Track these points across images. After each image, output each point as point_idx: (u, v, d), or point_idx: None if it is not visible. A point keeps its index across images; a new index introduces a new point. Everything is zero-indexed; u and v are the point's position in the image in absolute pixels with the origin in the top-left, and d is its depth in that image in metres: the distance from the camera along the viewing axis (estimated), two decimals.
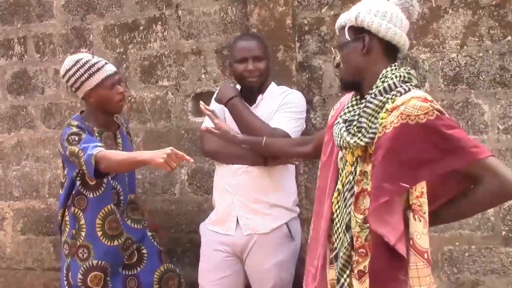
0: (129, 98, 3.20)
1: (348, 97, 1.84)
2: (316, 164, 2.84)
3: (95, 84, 2.42)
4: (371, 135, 1.61)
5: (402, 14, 1.70)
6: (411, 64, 2.64)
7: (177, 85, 3.10)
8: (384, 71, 1.66)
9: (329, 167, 1.82)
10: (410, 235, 1.56)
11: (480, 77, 2.56)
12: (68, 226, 2.53)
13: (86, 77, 2.42)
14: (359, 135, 1.63)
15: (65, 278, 2.54)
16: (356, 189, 1.66)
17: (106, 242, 2.47)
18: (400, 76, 1.64)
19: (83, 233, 2.48)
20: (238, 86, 2.43)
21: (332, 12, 2.76)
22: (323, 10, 2.78)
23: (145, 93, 3.18)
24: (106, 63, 2.49)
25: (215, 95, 2.47)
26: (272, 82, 2.47)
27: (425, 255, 1.55)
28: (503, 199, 1.65)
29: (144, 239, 2.60)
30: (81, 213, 2.49)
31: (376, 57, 1.68)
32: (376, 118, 1.61)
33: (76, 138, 2.36)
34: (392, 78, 1.63)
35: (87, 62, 2.44)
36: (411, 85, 1.64)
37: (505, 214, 2.56)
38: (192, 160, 2.14)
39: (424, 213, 1.55)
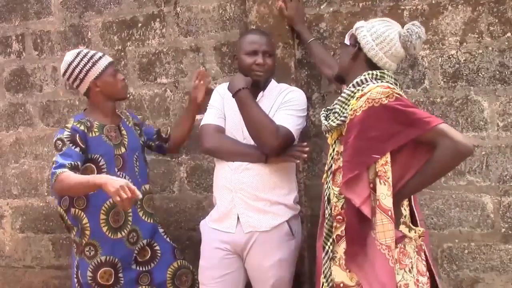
0: (128, 95, 3.18)
1: None
2: (315, 162, 2.85)
3: (100, 71, 2.50)
4: (342, 119, 1.93)
5: (397, 44, 1.96)
6: (411, 61, 2.64)
7: (175, 82, 3.10)
8: (363, 73, 1.96)
9: (328, 151, 2.13)
10: (376, 196, 1.83)
11: (480, 74, 2.55)
12: (74, 226, 2.54)
13: (90, 66, 2.50)
14: (332, 118, 1.98)
15: (75, 277, 2.55)
16: (333, 166, 1.98)
17: (111, 236, 2.48)
18: (373, 74, 1.95)
19: (87, 232, 2.48)
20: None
21: (331, 9, 2.76)
22: (322, 7, 2.78)
23: (144, 90, 3.17)
24: (104, 54, 2.59)
25: (221, 90, 2.48)
26: (273, 80, 2.45)
27: (389, 213, 1.80)
28: (457, 157, 1.85)
29: (155, 236, 2.61)
30: (82, 213, 2.48)
31: (360, 64, 2.00)
32: (347, 105, 1.93)
33: (60, 146, 2.40)
34: (365, 75, 1.95)
35: (87, 53, 2.54)
36: (381, 81, 1.92)
37: (505, 211, 2.56)
38: (140, 196, 2.11)
39: (388, 178, 1.82)
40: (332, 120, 1.96)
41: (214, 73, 3.00)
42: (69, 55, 2.53)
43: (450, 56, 2.59)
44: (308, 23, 2.79)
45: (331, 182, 1.98)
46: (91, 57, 2.51)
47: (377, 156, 1.82)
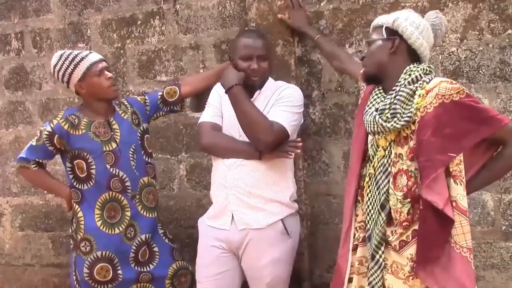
0: (127, 93, 3.18)
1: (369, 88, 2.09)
2: (316, 159, 2.84)
3: (82, 74, 2.44)
4: (406, 119, 1.84)
5: (431, 32, 1.95)
6: None
7: (175, 80, 3.08)
8: (408, 67, 1.89)
9: (356, 152, 2.07)
10: (452, 198, 1.80)
11: (480, 71, 2.54)
12: (73, 220, 2.56)
13: (72, 68, 2.45)
14: (395, 119, 1.86)
15: (73, 274, 2.55)
16: (393, 170, 1.89)
17: (107, 231, 2.47)
18: (423, 69, 1.89)
19: (82, 226, 2.48)
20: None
21: (331, 6, 2.75)
22: (322, 4, 2.76)
23: (143, 88, 3.16)
24: (90, 52, 2.51)
25: (219, 87, 2.44)
26: (270, 78, 2.44)
27: (467, 214, 1.80)
28: None
29: (154, 236, 2.59)
30: (77, 206, 2.51)
31: (400, 58, 1.92)
32: (407, 104, 1.85)
33: (38, 137, 2.50)
34: (418, 71, 1.88)
35: (70, 54, 2.48)
36: (431, 76, 1.89)
37: (505, 209, 2.55)
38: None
39: (463, 178, 1.81)
40: (395, 121, 1.85)
41: None
42: (54, 58, 2.50)
43: (451, 53, 2.58)
44: (308, 20, 2.78)
45: (392, 186, 1.88)
46: (73, 59, 2.44)
47: (453, 154, 1.79)
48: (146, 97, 2.70)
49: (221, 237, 2.34)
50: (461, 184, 1.80)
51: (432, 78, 1.86)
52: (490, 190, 2.56)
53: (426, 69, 1.89)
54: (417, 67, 1.89)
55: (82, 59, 2.45)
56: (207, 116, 2.41)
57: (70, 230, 2.59)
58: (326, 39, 2.67)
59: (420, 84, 1.85)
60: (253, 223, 2.29)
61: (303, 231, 2.74)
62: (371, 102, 1.97)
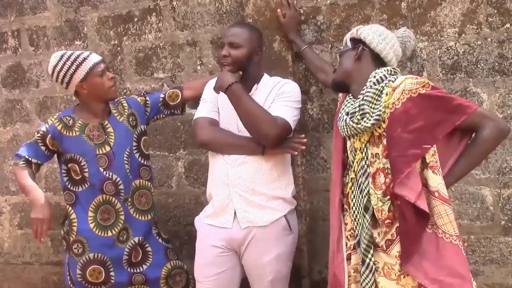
0: (124, 90, 3.17)
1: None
2: (314, 155, 2.83)
3: (84, 74, 2.43)
4: (375, 117, 1.88)
5: (397, 42, 2.03)
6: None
7: (172, 77, 3.08)
8: (373, 72, 1.96)
9: (336, 161, 2.11)
10: (434, 188, 1.82)
11: (479, 66, 2.53)
12: (65, 221, 2.55)
13: (74, 68, 2.43)
14: (364, 119, 1.91)
15: (67, 274, 2.56)
16: (371, 170, 1.93)
17: (99, 234, 2.46)
18: (388, 70, 1.96)
19: (75, 228, 2.48)
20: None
21: (328, 2, 2.73)
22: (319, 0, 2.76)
23: (141, 85, 3.15)
24: (90, 53, 2.50)
25: (214, 84, 2.38)
26: (265, 74, 2.41)
27: (450, 202, 1.84)
28: (501, 136, 1.90)
29: (148, 236, 2.57)
30: (70, 208, 2.50)
31: (365, 64, 2.00)
32: (375, 104, 1.90)
33: (34, 136, 2.50)
34: (382, 72, 1.94)
35: (71, 54, 2.46)
36: (397, 76, 1.95)
37: (504, 203, 2.55)
38: (43, 240, 2.43)
39: (439, 167, 1.83)
40: (364, 121, 1.90)
41: (211, 68, 2.99)
42: (54, 58, 2.47)
43: (449, 48, 2.57)
44: (305, 16, 2.77)
45: (371, 185, 1.92)
46: (76, 59, 2.43)
47: (428, 146, 1.82)
48: (147, 98, 2.66)
49: (221, 236, 2.32)
50: (439, 174, 1.82)
51: (397, 77, 1.91)
52: (489, 185, 2.55)
53: (391, 70, 1.95)
54: (381, 69, 1.95)
55: (84, 59, 2.44)
56: (203, 111, 2.38)
57: (62, 232, 2.59)
58: (312, 51, 2.67)
59: (386, 83, 1.90)
60: (257, 221, 2.28)
61: (302, 228, 2.74)
62: (343, 108, 2.04)
